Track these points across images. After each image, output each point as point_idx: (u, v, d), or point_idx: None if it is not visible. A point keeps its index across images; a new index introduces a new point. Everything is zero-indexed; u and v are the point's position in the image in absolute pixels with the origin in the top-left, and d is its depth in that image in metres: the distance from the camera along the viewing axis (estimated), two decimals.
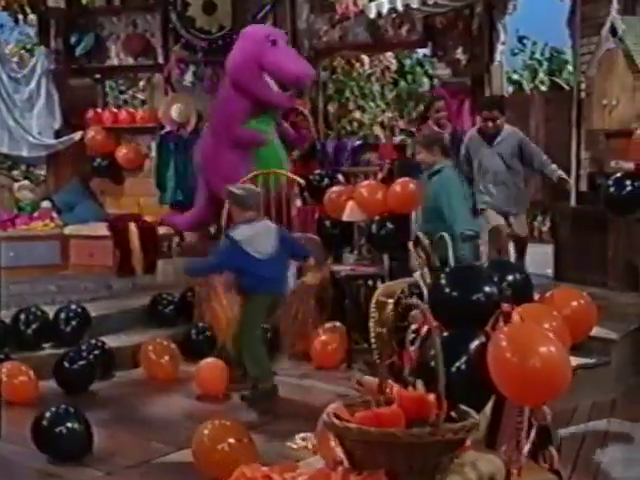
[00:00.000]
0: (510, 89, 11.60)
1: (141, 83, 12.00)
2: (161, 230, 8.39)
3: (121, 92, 13.19)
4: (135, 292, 7.47)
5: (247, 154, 7.48)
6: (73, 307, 6.35)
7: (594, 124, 6.54)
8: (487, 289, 2.73)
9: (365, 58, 11.54)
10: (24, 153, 9.11)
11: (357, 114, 11.85)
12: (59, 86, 9.19)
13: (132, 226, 8.15)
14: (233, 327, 5.67)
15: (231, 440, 3.95)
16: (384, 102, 12.60)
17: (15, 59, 9.88)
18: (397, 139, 9.80)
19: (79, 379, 5.61)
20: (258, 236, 5.36)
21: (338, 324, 6.31)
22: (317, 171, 7.52)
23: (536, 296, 3.32)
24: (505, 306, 2.67)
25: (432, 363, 2.56)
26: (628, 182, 5.71)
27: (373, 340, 3.82)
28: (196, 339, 6.38)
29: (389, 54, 11.90)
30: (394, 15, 7.85)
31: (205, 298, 6.61)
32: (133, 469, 4.28)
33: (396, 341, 3.32)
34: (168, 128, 8.57)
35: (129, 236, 8.12)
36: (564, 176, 6.57)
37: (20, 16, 9.08)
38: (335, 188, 6.74)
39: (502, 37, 7.99)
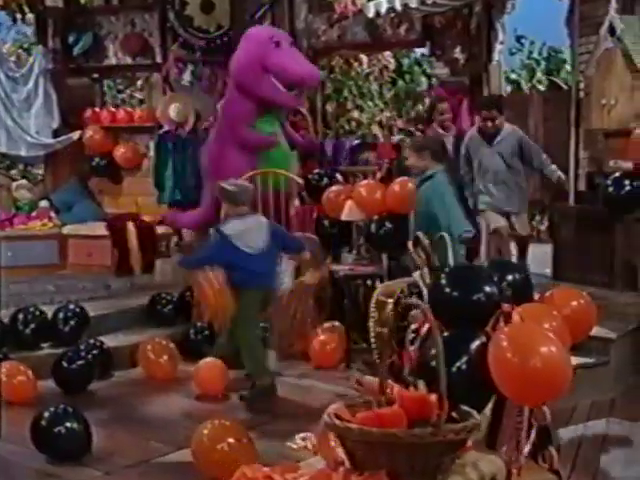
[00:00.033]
0: (508, 89, 11.61)
1: (139, 82, 11.98)
2: (159, 230, 8.39)
3: (119, 91, 13.17)
4: (133, 292, 7.47)
5: (253, 156, 7.48)
6: (71, 307, 6.35)
7: (593, 124, 6.54)
8: (487, 289, 2.73)
9: (363, 57, 11.53)
10: (22, 152, 9.10)
11: (355, 113, 11.84)
12: (57, 85, 9.18)
13: (130, 225, 8.14)
14: (221, 302, 5.61)
15: (231, 440, 3.95)
16: (382, 101, 12.59)
17: (12, 58, 9.86)
18: (395, 138, 9.79)
19: (77, 379, 5.61)
20: (249, 231, 5.40)
21: (337, 324, 6.31)
22: (316, 170, 7.51)
23: (536, 296, 3.32)
24: (505, 306, 2.67)
25: (433, 363, 2.56)
26: (627, 182, 5.73)
27: (373, 340, 3.81)
28: (195, 339, 6.38)
29: (387, 53, 11.89)
30: (392, 14, 7.84)
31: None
32: (132, 469, 4.27)
33: (396, 341, 3.31)
34: (166, 127, 8.56)
35: (127, 235, 8.12)
36: (563, 177, 6.57)
37: (18, 15, 9.05)
38: (334, 187, 6.75)
39: (500, 36, 7.99)
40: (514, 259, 6.46)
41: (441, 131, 7.34)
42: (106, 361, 5.98)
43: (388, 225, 6.15)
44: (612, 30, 6.15)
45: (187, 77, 8.73)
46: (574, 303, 3.22)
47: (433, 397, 2.06)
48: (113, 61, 9.35)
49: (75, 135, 9.09)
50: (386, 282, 4.90)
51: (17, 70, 9.12)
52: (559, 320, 2.98)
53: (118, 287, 7.55)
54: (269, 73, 7.36)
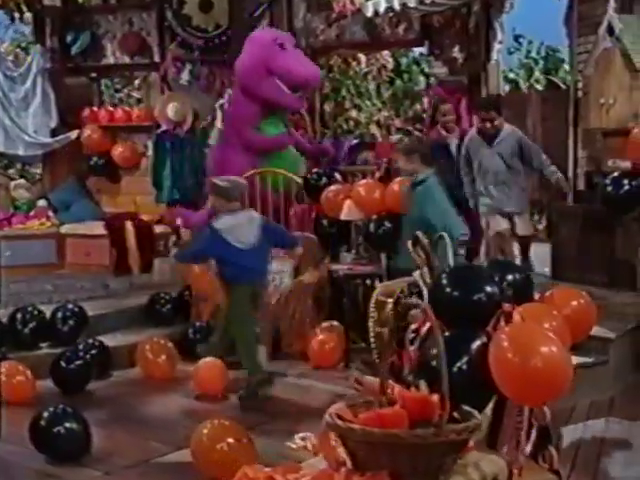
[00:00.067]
0: (506, 88, 11.61)
1: (136, 81, 11.97)
2: (158, 229, 8.39)
3: (116, 90, 13.15)
4: (132, 291, 7.46)
5: (258, 157, 7.48)
6: (70, 306, 6.33)
7: (591, 123, 6.54)
8: (488, 289, 2.73)
9: (362, 57, 11.53)
10: (20, 152, 9.11)
11: (353, 113, 11.83)
12: (55, 85, 9.18)
13: (128, 225, 8.14)
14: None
15: (230, 440, 3.95)
16: (380, 101, 12.58)
17: (10, 57, 9.84)
18: (394, 138, 9.78)
19: (76, 379, 5.59)
20: (240, 226, 5.43)
21: (336, 323, 6.30)
22: (314, 170, 7.51)
23: (535, 295, 3.33)
24: (506, 306, 2.67)
25: (433, 363, 2.56)
26: (626, 181, 5.74)
27: (372, 340, 3.81)
28: (193, 338, 6.36)
29: (386, 53, 11.89)
30: (391, 14, 7.84)
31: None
32: (131, 469, 4.27)
33: (395, 341, 3.30)
34: (164, 127, 8.56)
35: (125, 235, 8.12)
36: (563, 180, 6.53)
37: (16, 14, 9.04)
38: (332, 187, 6.75)
39: (499, 36, 7.98)
40: (517, 259, 6.43)
41: (444, 133, 7.33)
42: (105, 361, 5.97)
43: (387, 225, 6.16)
44: (611, 30, 6.15)
45: (185, 76, 8.73)
46: (574, 303, 3.24)
47: (435, 397, 2.06)
48: (111, 60, 9.36)
49: (73, 134, 9.09)
50: (385, 282, 4.90)
51: (15, 69, 9.12)
52: (559, 320, 2.99)
53: (116, 287, 7.54)
54: (273, 75, 7.38)
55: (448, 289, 2.77)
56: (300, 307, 6.47)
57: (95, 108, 9.29)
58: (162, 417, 5.12)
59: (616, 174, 5.86)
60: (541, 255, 7.18)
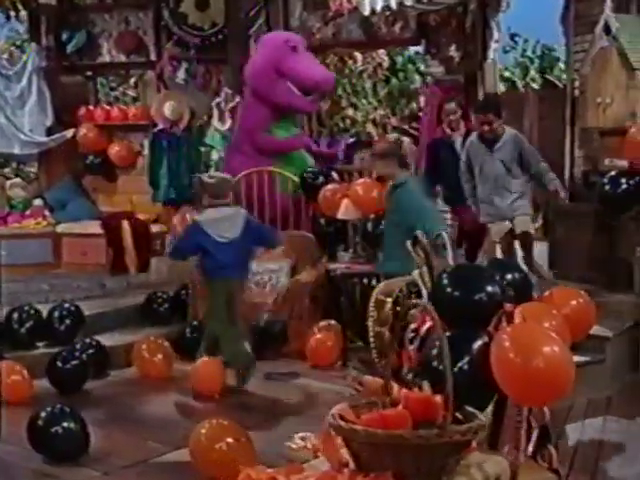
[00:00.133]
0: (502, 87, 11.61)
1: (132, 80, 11.95)
2: (154, 228, 8.37)
3: (112, 89, 13.12)
4: (129, 290, 7.45)
5: (269, 160, 7.48)
6: (66, 306, 6.32)
7: (588, 122, 6.54)
8: (489, 289, 2.73)
9: (358, 55, 11.52)
10: (16, 151, 9.07)
11: (350, 111, 11.83)
12: (50, 83, 9.14)
13: (125, 224, 8.13)
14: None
15: (229, 440, 3.94)
16: (376, 99, 12.58)
17: (5, 56, 9.82)
18: (391, 137, 9.77)
19: (72, 378, 5.58)
20: (222, 220, 5.49)
21: (333, 322, 6.30)
22: (311, 169, 7.51)
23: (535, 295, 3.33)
24: (507, 306, 2.67)
25: (435, 363, 2.56)
26: (623, 180, 5.74)
27: (372, 339, 3.80)
28: (190, 337, 6.35)
29: (381, 51, 11.88)
30: (387, 12, 7.85)
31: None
32: (130, 469, 4.26)
33: (397, 340, 3.30)
34: (161, 125, 8.53)
35: (122, 234, 8.11)
36: (561, 187, 6.42)
37: (12, 12, 9.01)
38: (330, 186, 6.75)
39: (495, 35, 7.98)
40: (519, 258, 6.36)
41: (449, 131, 7.33)
42: (102, 360, 5.96)
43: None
44: (607, 29, 6.15)
45: (181, 75, 8.71)
46: (573, 302, 3.24)
47: (438, 398, 2.05)
48: (107, 59, 9.32)
49: (69, 133, 9.05)
50: (384, 281, 4.89)
51: (10, 68, 9.08)
52: (559, 319, 2.99)
53: (113, 286, 7.53)
54: (284, 78, 7.36)
55: (449, 289, 2.77)
56: (298, 306, 6.47)
57: (91, 107, 9.26)
58: (160, 417, 5.11)
59: (613, 173, 5.87)
60: (538, 254, 7.18)
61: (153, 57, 9.00)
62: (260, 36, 8.32)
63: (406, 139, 8.81)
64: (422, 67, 10.91)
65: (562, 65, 12.28)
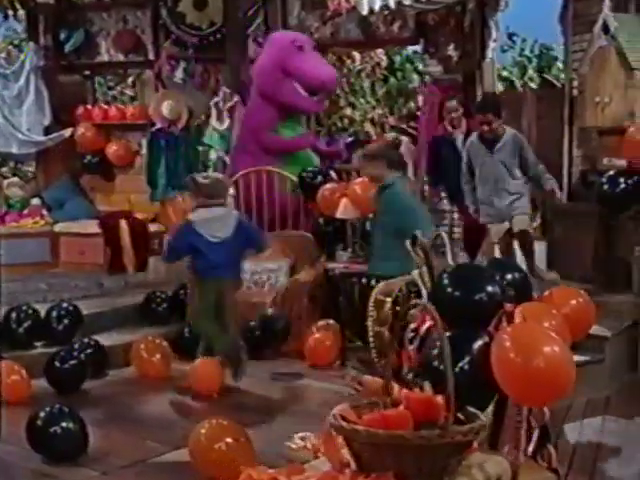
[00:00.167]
0: (500, 86, 11.62)
1: (130, 79, 11.94)
2: (152, 227, 8.36)
3: (109, 88, 13.11)
4: (127, 290, 7.44)
5: (275, 159, 7.47)
6: (65, 305, 6.31)
7: (586, 121, 6.55)
8: (490, 289, 2.72)
9: (356, 54, 11.53)
10: (13, 150, 9.06)
11: (348, 111, 11.84)
12: (48, 82, 9.12)
13: (123, 223, 8.12)
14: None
15: (228, 439, 3.93)
16: (374, 99, 12.59)
17: (3, 55, 9.81)
18: (389, 136, 9.78)
19: (70, 378, 5.57)
20: (214, 220, 5.50)
21: (332, 322, 6.30)
22: (310, 168, 7.50)
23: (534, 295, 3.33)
24: (508, 306, 2.66)
25: (435, 363, 2.56)
26: (621, 180, 5.75)
27: (371, 339, 3.80)
28: (189, 337, 6.33)
29: (380, 50, 11.89)
30: (386, 12, 7.84)
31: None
32: (129, 469, 4.25)
33: (397, 340, 3.30)
34: (159, 125, 8.53)
35: (120, 233, 8.09)
36: (557, 186, 6.42)
37: (10, 12, 9.00)
38: (328, 185, 6.75)
39: (494, 34, 7.99)
40: (518, 258, 6.35)
41: (450, 129, 7.33)
42: (100, 360, 5.94)
43: None
44: (606, 28, 6.15)
45: (179, 74, 8.72)
46: (573, 302, 3.24)
47: (439, 398, 2.05)
48: (105, 58, 9.32)
49: (67, 132, 9.05)
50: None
51: (8, 67, 9.07)
52: (559, 319, 2.99)
53: (111, 285, 7.52)
54: (291, 77, 7.36)
55: (449, 289, 2.76)
56: (296, 305, 6.47)
57: (89, 106, 9.25)
58: (159, 416, 5.11)
59: (612, 173, 5.87)
60: (537, 253, 7.18)
61: (151, 56, 9.00)
62: (258, 35, 8.33)
63: (405, 138, 8.92)
64: (420, 66, 10.90)
65: (560, 64, 12.27)
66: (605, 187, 5.82)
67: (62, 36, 9.18)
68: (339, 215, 6.51)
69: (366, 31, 8.46)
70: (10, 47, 11.45)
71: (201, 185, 5.57)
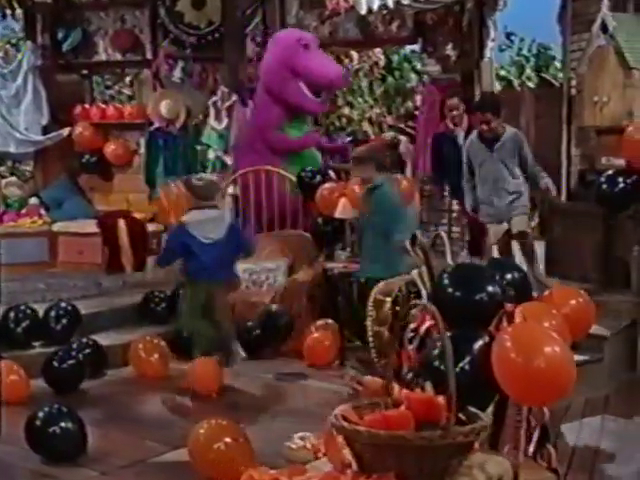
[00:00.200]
0: (498, 86, 11.62)
1: (127, 78, 11.92)
2: (150, 227, 8.35)
3: (107, 87, 13.09)
4: (125, 290, 7.43)
5: (281, 158, 7.46)
6: (63, 305, 6.29)
7: (585, 121, 6.54)
8: (490, 289, 2.73)
9: (354, 54, 11.52)
10: (11, 149, 9.04)
11: (346, 110, 11.83)
12: (46, 82, 9.11)
13: (121, 223, 8.10)
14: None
15: (227, 439, 3.92)
16: (372, 98, 12.58)
17: (0, 54, 9.78)
18: (387, 135, 9.78)
19: (68, 378, 5.55)
20: (207, 221, 5.53)
21: (330, 321, 6.29)
22: (308, 168, 7.50)
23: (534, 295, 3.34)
24: (508, 306, 2.67)
25: (436, 363, 2.56)
26: (620, 179, 5.74)
27: (371, 339, 3.80)
28: (187, 337, 6.32)
29: (377, 50, 11.88)
30: (384, 11, 7.85)
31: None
32: (128, 469, 4.25)
33: (397, 340, 3.30)
34: (157, 124, 8.53)
35: (118, 233, 8.08)
36: (551, 186, 6.40)
37: (7, 11, 8.98)
38: (327, 185, 6.75)
39: (492, 33, 7.99)
40: (517, 258, 6.34)
41: (452, 127, 7.33)
42: (98, 360, 5.93)
43: None
44: (604, 27, 6.15)
45: (177, 74, 8.71)
46: (573, 302, 3.24)
47: (440, 399, 2.05)
48: (103, 57, 9.30)
49: (65, 132, 9.03)
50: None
51: (5, 66, 9.06)
52: (559, 319, 2.99)
53: (109, 285, 7.50)
54: (297, 77, 7.35)
55: (450, 289, 2.76)
56: (295, 305, 6.46)
57: (87, 105, 9.24)
58: (158, 416, 5.10)
59: (610, 172, 5.87)
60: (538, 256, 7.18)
61: (149, 55, 8.99)
62: (256, 35, 8.33)
63: (403, 138, 8.93)
64: (418, 66, 10.91)
65: (558, 64, 12.29)
66: (604, 186, 5.81)
67: (60, 35, 9.16)
68: (338, 215, 6.51)
69: (364, 30, 8.46)
70: (8, 46, 11.38)
71: (195, 187, 5.59)
